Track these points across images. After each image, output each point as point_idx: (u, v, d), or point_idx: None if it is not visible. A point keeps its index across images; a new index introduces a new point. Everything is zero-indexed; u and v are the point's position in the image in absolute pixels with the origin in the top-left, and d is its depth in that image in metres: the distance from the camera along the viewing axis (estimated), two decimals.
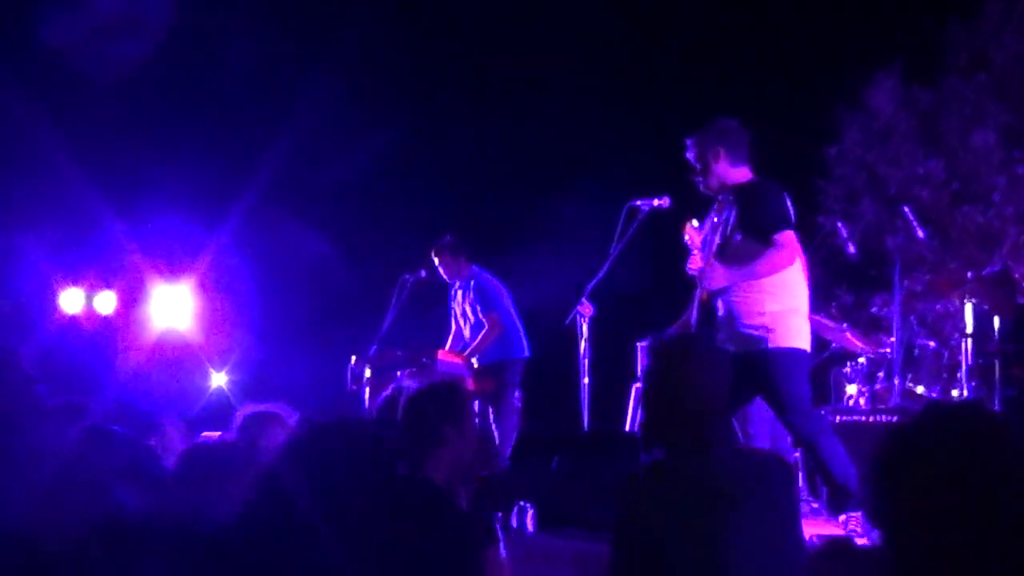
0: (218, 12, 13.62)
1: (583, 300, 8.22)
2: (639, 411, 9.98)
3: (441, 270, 10.57)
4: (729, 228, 6.69)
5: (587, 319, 8.31)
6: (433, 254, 10.51)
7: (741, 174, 6.87)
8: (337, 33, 14.51)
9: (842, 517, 6.67)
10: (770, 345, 6.58)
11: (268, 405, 5.33)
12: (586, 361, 8.34)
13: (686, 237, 7.00)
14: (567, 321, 8.36)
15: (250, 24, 13.63)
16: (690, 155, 6.93)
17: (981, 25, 13.78)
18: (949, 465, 2.31)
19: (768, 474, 3.99)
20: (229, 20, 13.71)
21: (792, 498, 4.08)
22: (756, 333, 6.61)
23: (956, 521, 2.29)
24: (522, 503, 6.53)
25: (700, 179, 6.93)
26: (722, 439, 4.15)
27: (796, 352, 6.66)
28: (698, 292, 6.90)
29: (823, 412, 9.69)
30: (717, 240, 6.76)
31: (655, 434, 4.15)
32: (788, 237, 6.59)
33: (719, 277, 6.65)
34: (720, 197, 6.94)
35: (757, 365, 6.58)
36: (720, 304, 6.77)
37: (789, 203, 6.78)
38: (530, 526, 6.57)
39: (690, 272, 7.09)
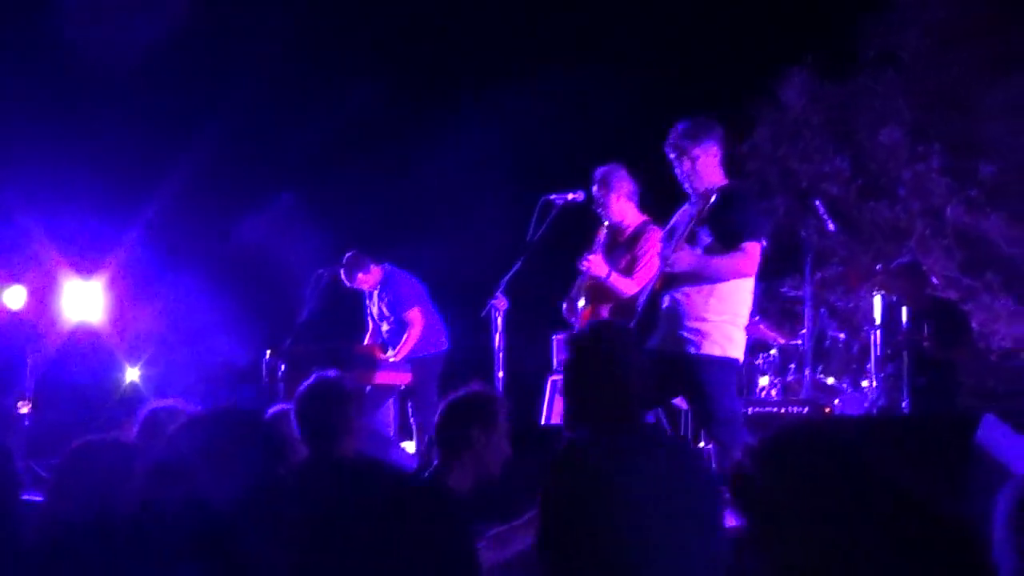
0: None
1: (498, 294, 8.21)
2: (556, 400, 10.07)
3: (364, 287, 10.58)
4: (701, 225, 6.64)
5: (502, 312, 8.31)
6: (346, 281, 10.49)
7: (721, 176, 6.87)
8: (254, 30, 14.43)
9: None
10: (703, 351, 6.60)
11: (171, 401, 5.31)
12: (501, 354, 8.35)
13: (599, 236, 7.04)
14: (482, 314, 8.37)
15: (166, 17, 13.51)
16: (680, 144, 6.82)
17: (890, 21, 13.96)
18: (819, 469, 2.53)
19: (685, 453, 4.22)
20: (143, 11, 13.59)
21: (710, 476, 4.20)
22: (693, 337, 6.62)
23: (820, 520, 2.49)
24: None
25: (686, 174, 6.85)
26: (640, 419, 4.32)
27: (729, 361, 6.68)
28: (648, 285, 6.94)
29: None
30: (688, 226, 6.68)
31: (578, 415, 4.35)
32: (754, 248, 6.60)
33: (685, 260, 6.58)
34: (695, 196, 6.88)
35: (687, 370, 6.62)
36: (667, 299, 6.76)
37: (761, 212, 6.96)
38: None
39: (581, 269, 7.16)
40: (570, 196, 7.97)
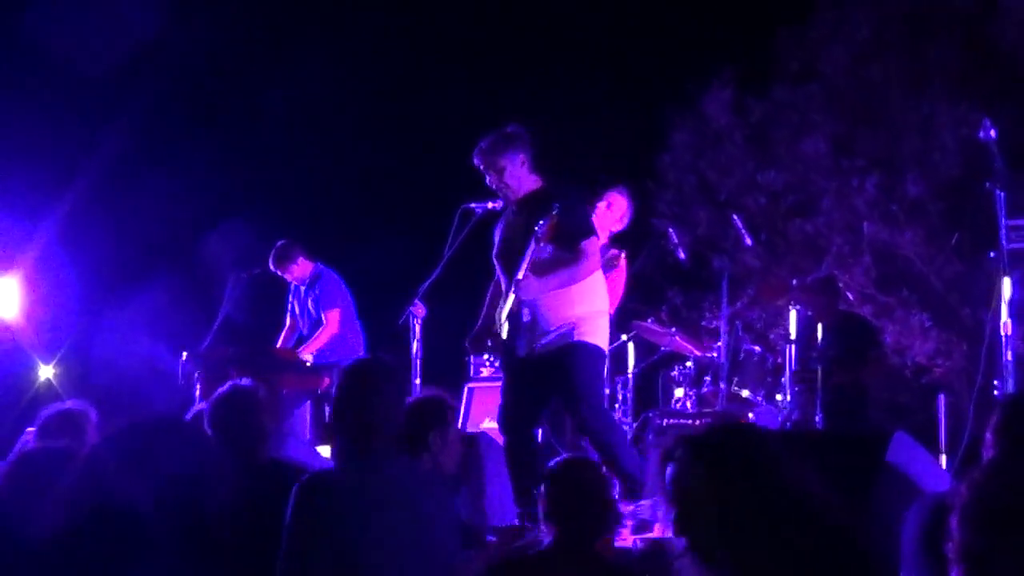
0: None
1: (416, 301, 8.25)
2: (472, 407, 10.08)
3: (288, 277, 10.51)
4: (536, 236, 6.79)
5: (420, 320, 8.33)
6: (273, 266, 10.43)
7: (534, 180, 7.07)
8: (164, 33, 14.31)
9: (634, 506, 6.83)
10: (574, 339, 6.81)
11: (72, 402, 5.28)
12: (418, 362, 8.36)
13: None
14: (400, 322, 8.37)
15: (81, 18, 13.39)
16: (490, 162, 7.02)
17: (810, 35, 14.08)
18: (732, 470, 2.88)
19: (428, 486, 4.55)
20: (60, 13, 13.47)
21: (446, 508, 4.54)
22: (562, 330, 6.83)
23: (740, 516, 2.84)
24: None
25: (501, 186, 7.06)
26: (391, 452, 4.49)
27: (596, 349, 6.93)
28: (503, 300, 7.02)
29: (651, 414, 9.89)
30: (529, 249, 6.83)
31: (338, 445, 4.69)
32: (593, 245, 6.90)
33: (534, 288, 6.80)
34: (515, 204, 7.11)
35: (558, 360, 6.82)
36: (526, 311, 6.91)
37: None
38: None
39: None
40: (490, 204, 7.98)
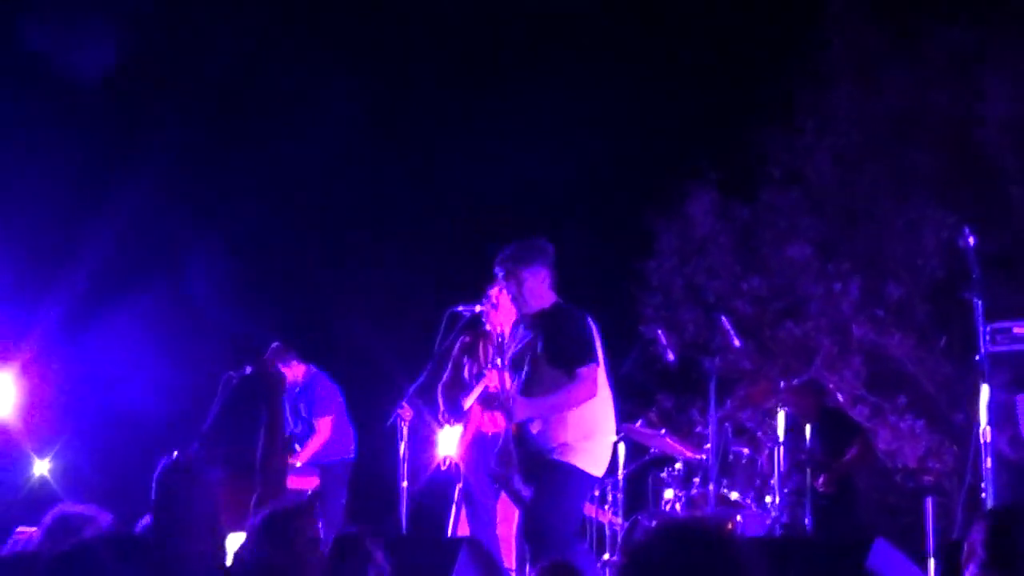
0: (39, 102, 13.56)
1: (403, 404, 8.23)
2: (462, 512, 10.07)
3: None
4: (535, 355, 6.76)
5: (408, 422, 8.33)
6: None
7: (550, 298, 6.96)
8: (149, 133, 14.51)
9: None
10: (557, 457, 6.70)
11: (82, 507, 5.23)
12: (405, 464, 8.35)
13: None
14: (388, 424, 8.37)
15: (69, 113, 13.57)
16: (512, 270, 6.91)
17: (795, 142, 14.29)
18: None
19: None
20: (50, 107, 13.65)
21: None
22: (551, 456, 6.72)
23: None
24: None
25: (517, 297, 6.93)
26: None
27: (581, 473, 6.75)
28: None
29: (640, 516, 9.90)
30: (525, 368, 6.81)
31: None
32: (590, 371, 6.71)
33: (523, 410, 6.72)
34: (526, 318, 7.01)
35: (538, 473, 6.72)
36: (518, 432, 6.84)
37: (594, 333, 6.91)
38: None
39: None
40: (477, 308, 8.02)
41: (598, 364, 6.83)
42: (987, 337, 8.66)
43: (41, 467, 12.73)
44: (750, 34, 14.62)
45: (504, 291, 8.05)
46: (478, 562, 6.67)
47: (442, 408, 8.07)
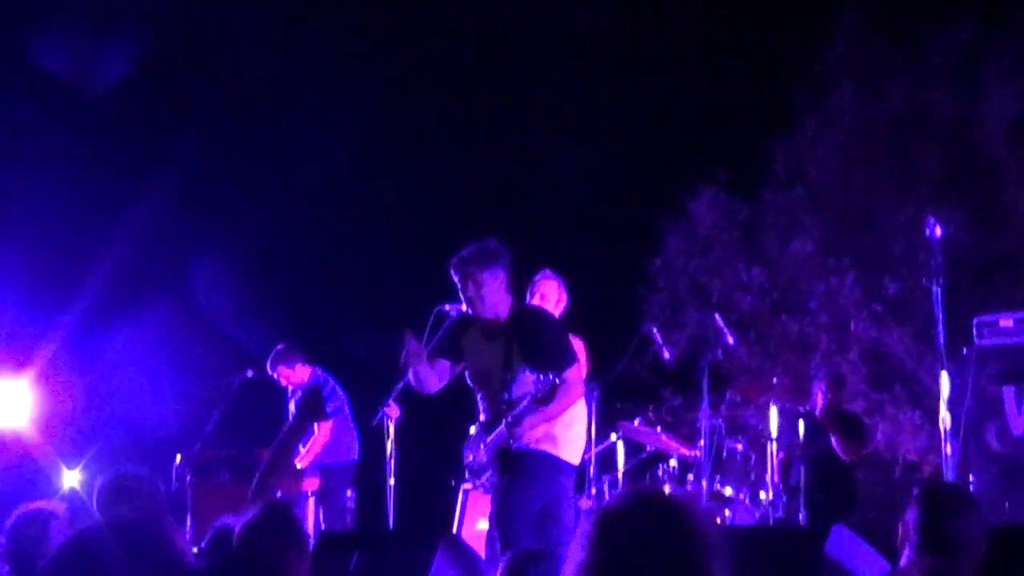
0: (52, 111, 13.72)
1: (390, 402, 8.29)
2: (468, 509, 10.15)
3: (283, 381, 10.63)
4: (511, 360, 6.81)
5: (394, 421, 8.43)
6: (270, 369, 10.56)
7: (508, 300, 6.96)
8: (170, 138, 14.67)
9: None
10: (534, 447, 6.79)
11: (41, 503, 5.33)
12: (392, 462, 8.46)
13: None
14: (374, 422, 8.46)
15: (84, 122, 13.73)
16: (469, 273, 6.87)
17: (797, 142, 14.38)
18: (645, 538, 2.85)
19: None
20: (64, 115, 13.81)
21: None
22: (529, 446, 6.81)
23: None
24: None
25: (476, 299, 6.89)
26: None
27: (555, 460, 6.86)
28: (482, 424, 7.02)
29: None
30: (503, 375, 6.84)
31: None
32: (575, 373, 6.81)
33: (527, 427, 6.73)
34: (488, 323, 6.99)
35: (511, 462, 6.79)
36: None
37: (564, 330, 7.04)
38: None
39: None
40: (464, 307, 8.06)
41: (579, 361, 6.91)
42: (974, 331, 8.79)
43: (71, 478, 12.83)
44: (753, 36, 14.70)
45: (548, 289, 8.29)
46: (457, 558, 6.73)
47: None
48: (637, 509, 2.91)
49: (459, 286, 6.94)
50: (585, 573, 2.89)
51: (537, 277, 8.41)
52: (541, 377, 6.67)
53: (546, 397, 6.69)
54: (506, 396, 6.86)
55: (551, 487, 6.90)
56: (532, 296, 8.29)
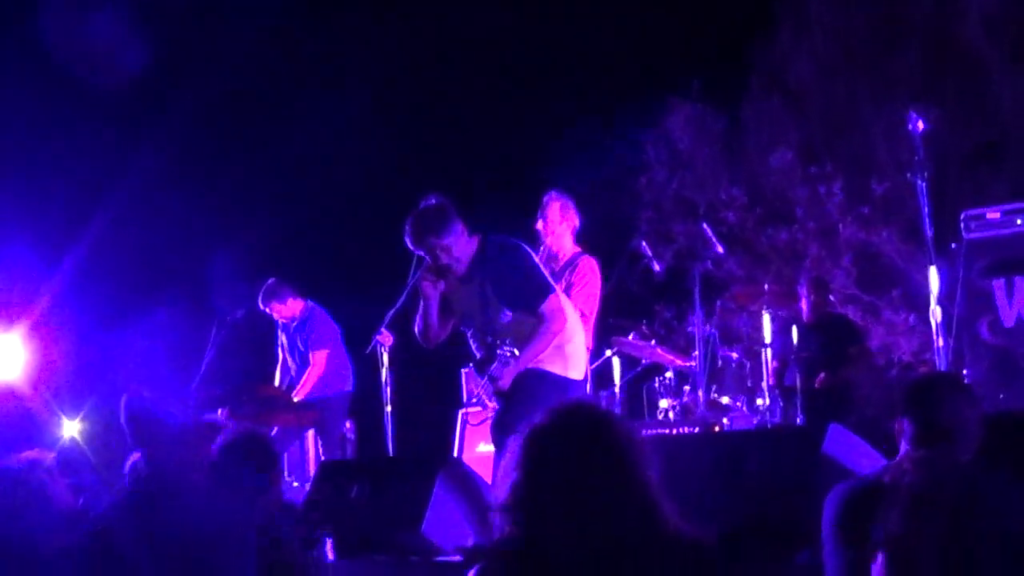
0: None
1: (382, 329, 8.27)
2: (467, 433, 10.15)
3: (276, 315, 10.61)
4: (487, 300, 6.64)
5: (387, 348, 8.41)
6: (262, 304, 10.54)
7: (472, 242, 6.70)
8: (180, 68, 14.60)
9: None
10: (533, 366, 6.61)
11: (32, 453, 5.29)
12: (388, 389, 8.46)
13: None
14: (367, 350, 8.45)
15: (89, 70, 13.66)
16: (434, 244, 6.56)
17: (775, 49, 14.29)
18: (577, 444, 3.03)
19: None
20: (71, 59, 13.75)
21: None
22: (531, 365, 6.62)
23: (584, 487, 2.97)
24: (320, 531, 6.57)
25: (451, 262, 6.61)
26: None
27: (556, 377, 6.70)
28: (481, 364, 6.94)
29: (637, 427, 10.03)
30: (481, 316, 6.70)
31: None
32: (553, 302, 6.59)
33: (509, 377, 6.58)
34: (464, 268, 6.71)
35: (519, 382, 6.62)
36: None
37: (535, 259, 6.79)
38: (329, 554, 6.59)
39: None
40: None
41: (555, 290, 6.72)
42: (961, 225, 8.79)
43: (71, 428, 12.85)
44: None
45: (551, 211, 8.16)
46: (458, 482, 6.72)
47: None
48: (560, 426, 3.08)
49: (429, 260, 6.64)
50: (517, 493, 3.03)
51: (544, 199, 8.24)
52: (516, 317, 6.58)
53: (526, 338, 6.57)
54: (490, 339, 6.72)
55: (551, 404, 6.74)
56: (538, 220, 8.17)
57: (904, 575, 3.79)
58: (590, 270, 8.07)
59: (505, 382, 6.57)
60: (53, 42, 13.64)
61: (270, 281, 10.59)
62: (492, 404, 7.00)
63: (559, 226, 8.16)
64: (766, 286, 10.73)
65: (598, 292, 8.16)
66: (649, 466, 3.06)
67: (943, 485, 3.97)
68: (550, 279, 6.84)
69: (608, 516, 2.99)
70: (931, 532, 3.88)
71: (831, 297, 12.64)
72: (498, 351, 6.69)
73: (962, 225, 8.80)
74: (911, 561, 3.80)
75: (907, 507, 3.98)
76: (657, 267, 9.84)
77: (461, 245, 6.61)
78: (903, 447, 4.39)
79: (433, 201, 6.66)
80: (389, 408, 8.38)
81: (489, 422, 7.30)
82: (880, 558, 3.82)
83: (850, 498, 4.16)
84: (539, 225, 8.13)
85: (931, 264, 7.15)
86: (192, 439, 4.69)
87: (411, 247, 6.65)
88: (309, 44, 15.23)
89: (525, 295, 6.57)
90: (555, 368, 6.71)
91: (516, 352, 6.65)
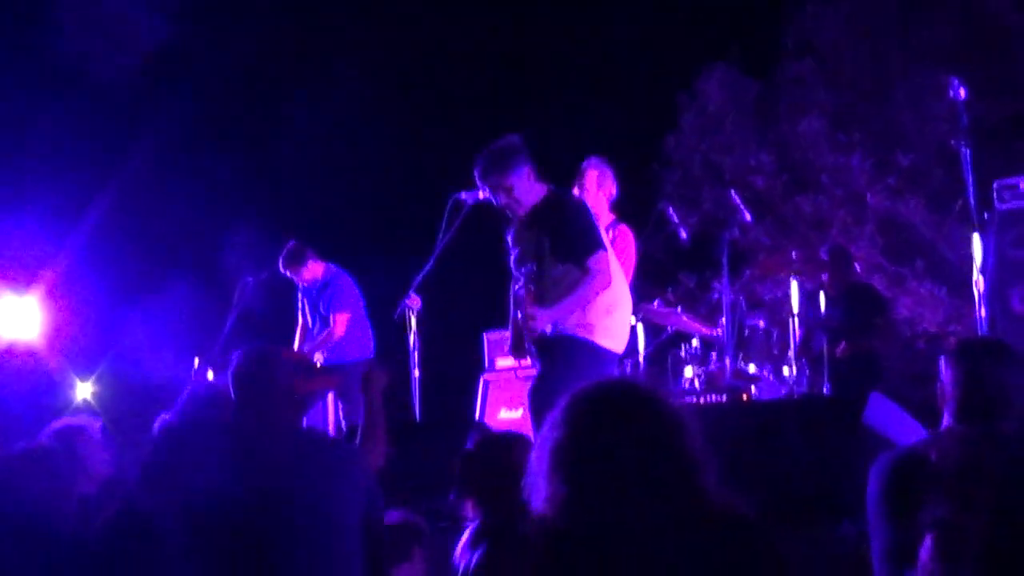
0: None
1: (410, 293, 8.23)
2: (489, 397, 10.09)
3: (296, 279, 10.55)
4: (542, 253, 6.61)
5: (415, 312, 8.36)
6: (283, 268, 10.47)
7: (540, 190, 6.74)
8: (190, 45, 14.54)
9: None
10: (573, 333, 6.58)
11: (76, 419, 5.27)
12: (416, 353, 8.41)
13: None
14: (396, 315, 8.40)
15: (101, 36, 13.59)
16: (498, 182, 6.66)
17: (807, 13, 14.16)
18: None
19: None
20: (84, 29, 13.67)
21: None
22: (569, 332, 6.59)
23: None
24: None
25: (511, 203, 6.70)
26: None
27: (595, 347, 6.64)
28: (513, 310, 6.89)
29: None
30: (532, 267, 6.66)
31: None
32: (601, 260, 6.57)
33: (543, 322, 6.56)
34: (523, 218, 6.77)
35: (551, 348, 6.60)
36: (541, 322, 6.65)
37: (595, 220, 6.79)
38: None
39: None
40: (481, 195, 7.82)
41: (606, 249, 6.70)
42: (994, 195, 8.68)
43: (84, 390, 12.87)
44: None
45: (589, 179, 8.15)
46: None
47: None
48: (608, 393, 3.07)
49: (493, 199, 6.76)
50: (558, 452, 3.00)
51: (582, 165, 8.23)
52: (563, 268, 6.56)
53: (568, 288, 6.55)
54: (533, 288, 6.67)
55: (590, 375, 6.49)
56: (574, 187, 8.12)
57: (952, 559, 3.69)
58: (627, 240, 8.04)
59: (541, 323, 6.53)
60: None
61: (290, 244, 10.52)
62: (527, 364, 6.95)
63: (595, 194, 8.13)
64: (793, 254, 10.64)
65: (633, 262, 8.16)
66: (698, 443, 3.03)
67: (990, 465, 3.83)
68: (606, 241, 6.81)
69: (655, 490, 2.95)
70: (978, 516, 3.77)
71: (856, 266, 12.60)
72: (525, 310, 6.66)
73: (995, 195, 8.69)
74: (959, 546, 3.71)
75: (953, 490, 3.86)
76: (684, 234, 9.77)
77: (524, 188, 6.65)
78: (946, 418, 4.23)
79: (509, 139, 6.71)
80: (418, 373, 8.33)
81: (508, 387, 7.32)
82: (927, 541, 3.73)
83: (896, 468, 4.02)
84: (575, 192, 8.05)
85: (974, 232, 7.03)
86: (300, 402, 4.61)
87: (477, 181, 6.76)
88: (331, 9, 15.15)
89: (576, 248, 6.57)
90: (597, 338, 6.65)
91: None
